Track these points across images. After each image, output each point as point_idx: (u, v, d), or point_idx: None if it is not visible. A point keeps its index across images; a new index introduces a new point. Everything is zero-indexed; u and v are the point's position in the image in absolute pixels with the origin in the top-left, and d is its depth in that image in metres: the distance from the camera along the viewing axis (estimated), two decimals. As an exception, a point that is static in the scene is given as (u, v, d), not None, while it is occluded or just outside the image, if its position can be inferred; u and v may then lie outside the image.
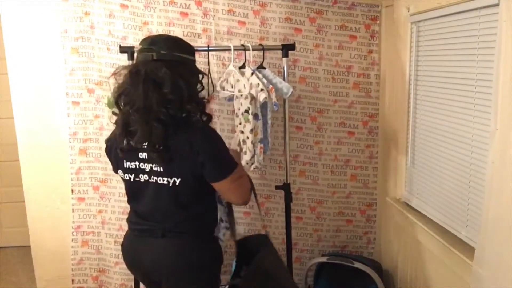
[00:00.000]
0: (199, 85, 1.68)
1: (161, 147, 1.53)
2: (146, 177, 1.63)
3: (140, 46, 1.63)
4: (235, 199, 1.71)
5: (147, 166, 1.61)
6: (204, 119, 1.65)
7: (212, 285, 1.75)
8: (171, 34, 2.55)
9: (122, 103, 1.59)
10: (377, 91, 2.69)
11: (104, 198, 2.74)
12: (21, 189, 2.80)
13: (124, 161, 1.65)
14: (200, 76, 1.68)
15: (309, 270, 2.69)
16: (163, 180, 1.60)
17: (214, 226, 1.78)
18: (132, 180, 1.67)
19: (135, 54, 1.70)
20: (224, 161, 1.63)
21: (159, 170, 1.59)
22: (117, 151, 1.65)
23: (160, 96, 1.52)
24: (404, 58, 2.34)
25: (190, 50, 1.68)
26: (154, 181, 1.62)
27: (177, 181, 1.58)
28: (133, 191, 1.71)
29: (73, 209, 2.75)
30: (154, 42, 1.60)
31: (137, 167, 1.63)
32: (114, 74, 1.62)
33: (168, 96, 1.52)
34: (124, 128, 1.59)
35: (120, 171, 1.70)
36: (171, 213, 1.65)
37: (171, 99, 1.52)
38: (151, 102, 1.51)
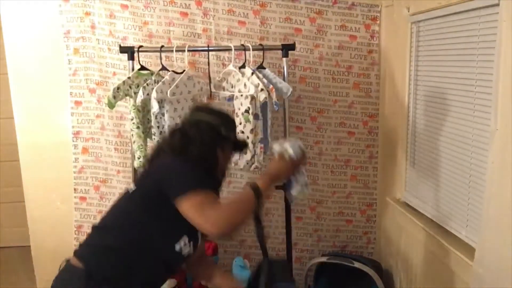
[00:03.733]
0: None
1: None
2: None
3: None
4: (200, 224, 1.39)
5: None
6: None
7: None
8: (171, 34, 2.58)
9: None
10: (377, 91, 2.69)
11: (104, 198, 2.74)
12: (21, 189, 2.80)
13: None
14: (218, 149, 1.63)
15: (309, 270, 2.69)
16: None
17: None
18: None
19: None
20: (183, 177, 1.47)
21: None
22: None
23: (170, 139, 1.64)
24: (404, 58, 2.34)
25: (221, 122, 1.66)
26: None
27: (133, 188, 1.53)
28: None
29: (75, 208, 2.75)
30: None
31: None
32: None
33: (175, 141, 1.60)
34: None
35: None
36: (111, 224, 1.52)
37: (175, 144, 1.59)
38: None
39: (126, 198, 1.54)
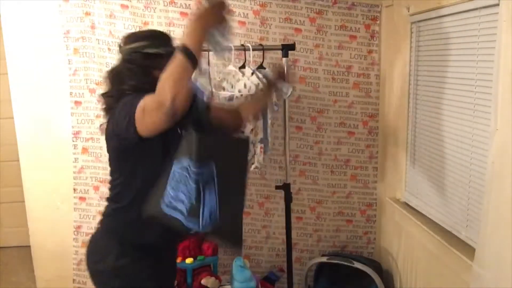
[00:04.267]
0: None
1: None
2: None
3: None
4: (153, 110, 1.35)
5: None
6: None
7: None
8: (172, 34, 2.56)
9: None
10: (377, 91, 2.69)
11: (103, 198, 2.72)
12: (21, 189, 2.80)
13: None
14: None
15: (309, 270, 2.69)
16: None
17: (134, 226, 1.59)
18: None
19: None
20: (125, 110, 1.43)
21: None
22: None
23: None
24: (404, 58, 2.34)
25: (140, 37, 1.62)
26: None
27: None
28: None
29: (74, 208, 2.74)
30: None
31: None
32: None
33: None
34: None
35: None
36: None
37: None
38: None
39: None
